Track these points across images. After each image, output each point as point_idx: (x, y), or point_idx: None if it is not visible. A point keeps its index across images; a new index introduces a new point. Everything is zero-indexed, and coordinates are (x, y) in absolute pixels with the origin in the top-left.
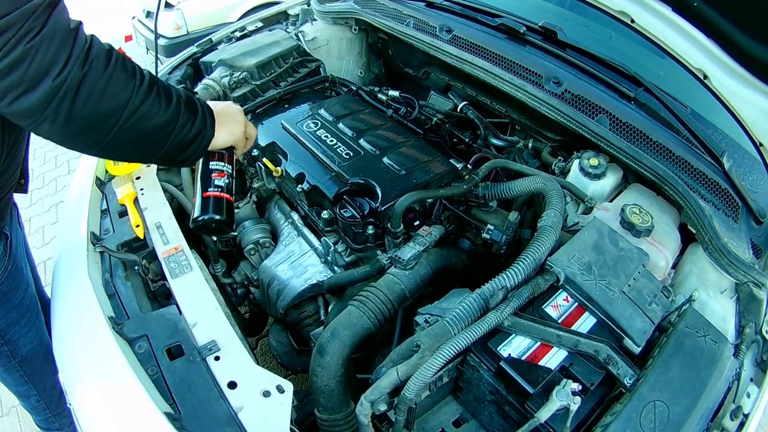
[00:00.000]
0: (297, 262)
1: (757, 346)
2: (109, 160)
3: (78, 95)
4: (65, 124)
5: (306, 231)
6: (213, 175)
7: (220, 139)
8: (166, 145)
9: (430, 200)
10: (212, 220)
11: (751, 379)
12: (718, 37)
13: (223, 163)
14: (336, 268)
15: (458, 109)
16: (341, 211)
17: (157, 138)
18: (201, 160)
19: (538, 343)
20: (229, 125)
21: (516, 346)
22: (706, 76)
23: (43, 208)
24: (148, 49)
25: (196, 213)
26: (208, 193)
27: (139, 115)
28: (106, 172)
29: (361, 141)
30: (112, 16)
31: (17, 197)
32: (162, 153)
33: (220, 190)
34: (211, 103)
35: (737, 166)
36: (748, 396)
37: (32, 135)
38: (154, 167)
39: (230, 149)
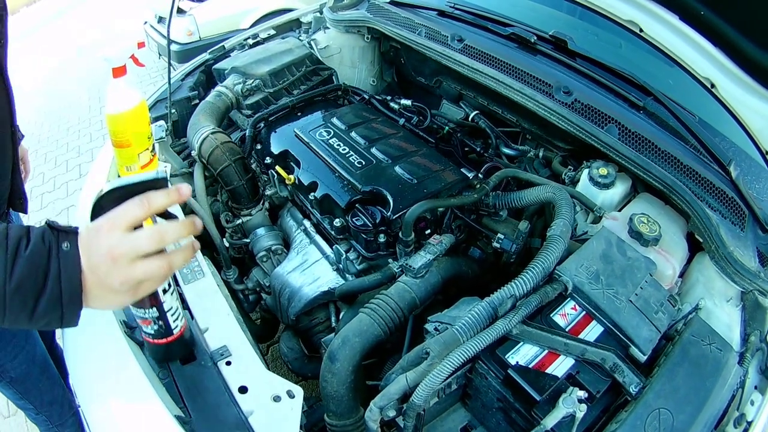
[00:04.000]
0: (309, 269)
1: (762, 353)
2: None
3: None
4: None
5: (318, 238)
6: (139, 321)
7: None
8: None
9: (441, 209)
10: (157, 359)
11: (756, 387)
12: (725, 45)
13: (144, 310)
14: (347, 275)
15: (470, 118)
16: (353, 219)
17: None
18: None
19: (546, 351)
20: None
21: (524, 354)
22: (713, 85)
23: (53, 211)
24: (160, 55)
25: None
26: (145, 338)
27: None
28: (119, 177)
29: (373, 150)
30: (124, 21)
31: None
32: None
33: (152, 337)
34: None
35: (744, 174)
36: (752, 403)
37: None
38: (166, 174)
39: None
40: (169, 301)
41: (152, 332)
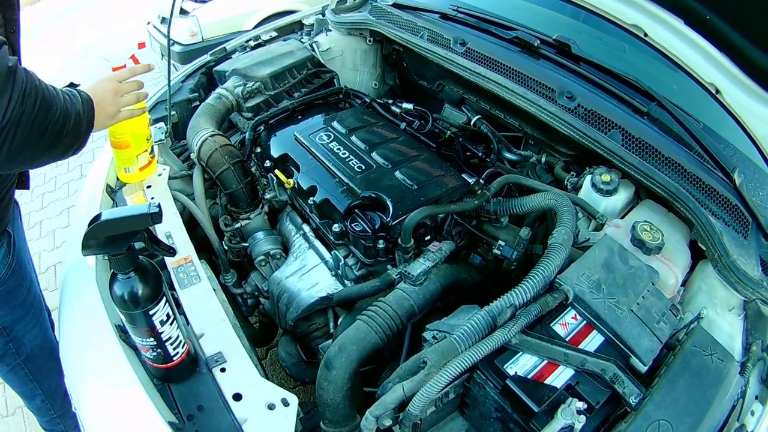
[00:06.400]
0: (307, 274)
1: (764, 363)
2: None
3: (18, 129)
4: (8, 159)
5: (317, 243)
6: (139, 347)
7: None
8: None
9: (441, 215)
10: (158, 378)
11: (756, 397)
12: (730, 50)
13: (141, 339)
14: (346, 281)
15: (472, 123)
16: (352, 224)
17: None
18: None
19: (545, 362)
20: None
21: (523, 364)
22: (718, 91)
23: (54, 211)
24: (162, 56)
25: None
26: (145, 359)
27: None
28: (117, 179)
29: (374, 154)
30: (126, 21)
31: (24, 195)
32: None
33: (151, 361)
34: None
35: (748, 181)
36: (753, 414)
37: None
38: (165, 177)
39: (148, 317)
40: (168, 331)
41: (151, 357)
